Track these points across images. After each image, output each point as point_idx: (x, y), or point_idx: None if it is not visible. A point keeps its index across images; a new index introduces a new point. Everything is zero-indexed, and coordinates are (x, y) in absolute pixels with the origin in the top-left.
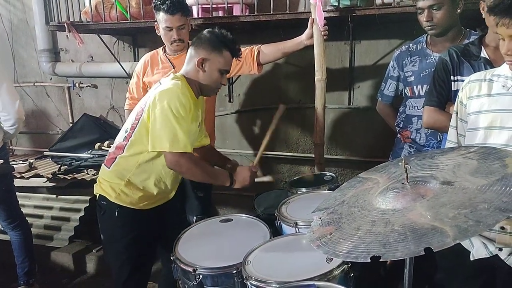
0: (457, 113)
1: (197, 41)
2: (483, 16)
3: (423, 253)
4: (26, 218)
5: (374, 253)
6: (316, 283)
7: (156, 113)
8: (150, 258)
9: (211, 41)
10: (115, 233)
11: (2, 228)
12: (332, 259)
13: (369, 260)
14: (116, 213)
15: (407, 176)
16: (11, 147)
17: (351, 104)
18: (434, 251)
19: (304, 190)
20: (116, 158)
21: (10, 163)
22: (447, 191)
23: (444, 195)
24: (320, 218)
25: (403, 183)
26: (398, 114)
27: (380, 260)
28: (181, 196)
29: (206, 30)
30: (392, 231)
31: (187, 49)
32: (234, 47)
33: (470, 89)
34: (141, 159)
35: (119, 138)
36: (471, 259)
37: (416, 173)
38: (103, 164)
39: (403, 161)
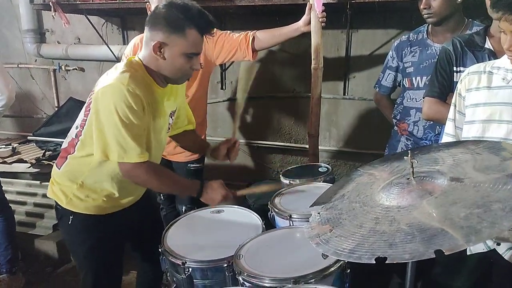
0: (455, 106)
1: (152, 19)
2: (488, 7)
3: (433, 256)
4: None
5: (379, 253)
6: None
7: (100, 115)
8: (116, 265)
9: (169, 19)
10: (72, 241)
11: None
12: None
13: (374, 262)
14: (72, 220)
15: (413, 171)
16: None
17: (346, 94)
18: (445, 254)
19: (298, 181)
20: (67, 158)
21: None
22: (456, 188)
23: (453, 193)
24: (318, 213)
25: (408, 178)
26: (395, 105)
27: (386, 262)
28: None
29: (163, 3)
30: (398, 230)
31: None
32: (201, 22)
33: (469, 81)
34: (94, 161)
35: (71, 133)
36: (468, 253)
37: (421, 167)
38: (54, 164)
39: (409, 155)
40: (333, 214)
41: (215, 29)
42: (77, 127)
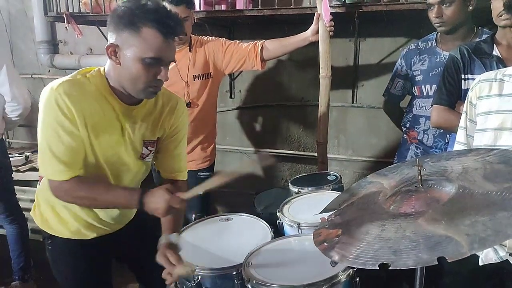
0: (466, 114)
1: (109, 19)
2: (494, 16)
3: (436, 263)
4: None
5: (383, 260)
6: None
7: (39, 122)
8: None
9: (122, 16)
10: (53, 265)
11: None
12: (337, 262)
13: (377, 268)
14: (50, 243)
15: (420, 179)
16: (7, 139)
17: (355, 102)
18: (448, 261)
19: (306, 189)
20: None
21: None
22: (464, 196)
23: (460, 201)
24: (327, 219)
25: (416, 186)
26: (405, 114)
27: (390, 268)
28: None
29: (123, 1)
30: (403, 237)
31: (189, 44)
32: (162, 20)
33: (480, 88)
34: None
35: None
36: (480, 263)
37: (430, 175)
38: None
39: (417, 163)
40: (341, 221)
41: (181, 31)
42: None
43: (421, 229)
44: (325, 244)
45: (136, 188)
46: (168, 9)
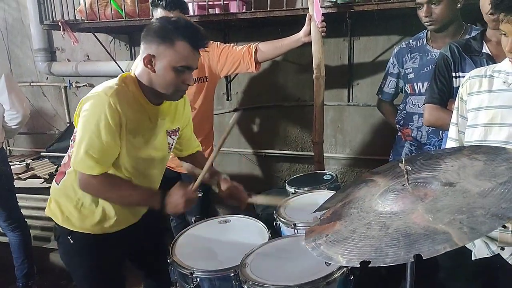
0: (457, 110)
1: (144, 33)
2: (483, 13)
3: (412, 260)
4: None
5: (365, 257)
6: None
7: (78, 123)
8: (117, 283)
9: (158, 31)
10: (71, 260)
11: (1, 230)
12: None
13: (358, 265)
14: (70, 239)
15: (407, 178)
16: (8, 147)
17: (351, 101)
18: (423, 258)
19: (303, 189)
20: (65, 173)
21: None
22: (447, 194)
23: (443, 199)
24: (319, 218)
25: (403, 185)
26: (399, 111)
27: (369, 265)
28: None
29: (156, 18)
30: (385, 235)
31: None
32: (192, 35)
33: (471, 85)
34: None
35: (70, 147)
36: (473, 258)
37: (420, 173)
38: (53, 180)
39: (403, 162)
40: (333, 220)
41: (209, 42)
42: (71, 141)
43: (403, 228)
44: (314, 242)
45: (157, 191)
46: (194, 25)
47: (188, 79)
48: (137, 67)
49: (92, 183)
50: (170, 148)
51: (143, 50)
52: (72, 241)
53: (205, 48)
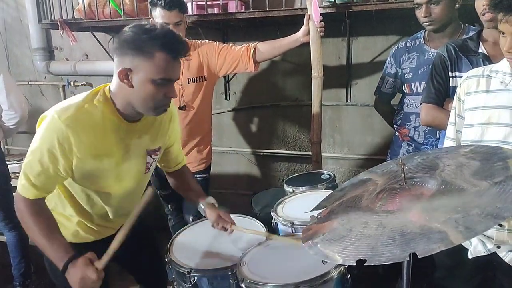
0: (455, 109)
1: (117, 45)
2: (479, 14)
3: (408, 259)
4: None
5: (361, 256)
6: None
7: (34, 139)
8: None
9: (132, 42)
10: (51, 267)
11: None
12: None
13: (354, 264)
14: None
15: (404, 177)
16: (6, 146)
17: (349, 101)
18: (419, 257)
19: (300, 189)
20: None
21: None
22: (443, 194)
23: (440, 198)
24: (316, 217)
25: (400, 184)
26: (396, 111)
27: (365, 264)
28: (177, 195)
29: (128, 26)
30: (382, 234)
31: None
32: (170, 44)
33: (468, 85)
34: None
35: None
36: (469, 257)
37: (417, 173)
38: None
39: (400, 161)
40: (330, 218)
41: (187, 51)
42: None
43: (399, 226)
44: (310, 241)
45: (69, 256)
46: (173, 31)
47: (170, 92)
48: (112, 82)
49: (20, 204)
50: (149, 168)
51: (117, 63)
52: None
53: (186, 57)
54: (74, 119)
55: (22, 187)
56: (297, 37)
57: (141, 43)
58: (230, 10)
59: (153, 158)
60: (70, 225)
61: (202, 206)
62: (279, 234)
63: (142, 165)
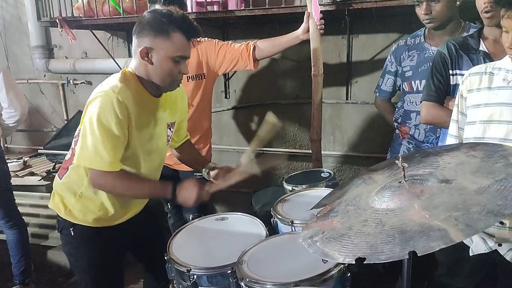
0: (458, 107)
1: (138, 27)
2: (480, 12)
3: (407, 257)
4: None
5: (360, 254)
6: None
7: (85, 121)
8: (117, 276)
9: (153, 23)
10: (72, 252)
11: None
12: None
13: (354, 262)
14: (72, 232)
15: (404, 175)
16: (5, 145)
17: (349, 99)
18: (418, 255)
19: (300, 187)
20: (68, 168)
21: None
22: (443, 191)
23: (440, 195)
24: (316, 215)
25: (400, 182)
26: (396, 109)
27: (365, 262)
28: None
29: (147, 11)
30: (381, 232)
31: None
32: (186, 26)
33: (471, 82)
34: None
35: (72, 144)
36: (470, 254)
37: (417, 171)
38: (57, 175)
39: (400, 159)
40: (329, 216)
41: (200, 34)
42: (75, 137)
43: (399, 224)
44: (310, 239)
45: (168, 182)
46: (187, 16)
47: (183, 69)
48: (132, 62)
49: (105, 179)
50: (169, 141)
51: (137, 43)
52: (73, 233)
53: (197, 39)
54: (123, 90)
55: (101, 164)
56: (297, 34)
57: (161, 25)
58: (229, 8)
59: (171, 131)
60: (95, 210)
61: (205, 172)
62: (279, 233)
63: (165, 137)
